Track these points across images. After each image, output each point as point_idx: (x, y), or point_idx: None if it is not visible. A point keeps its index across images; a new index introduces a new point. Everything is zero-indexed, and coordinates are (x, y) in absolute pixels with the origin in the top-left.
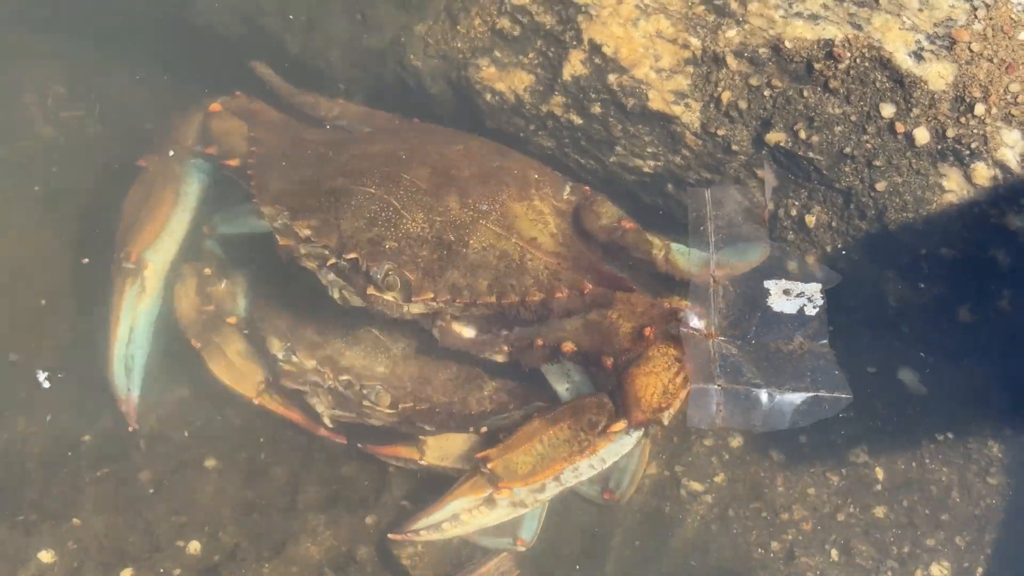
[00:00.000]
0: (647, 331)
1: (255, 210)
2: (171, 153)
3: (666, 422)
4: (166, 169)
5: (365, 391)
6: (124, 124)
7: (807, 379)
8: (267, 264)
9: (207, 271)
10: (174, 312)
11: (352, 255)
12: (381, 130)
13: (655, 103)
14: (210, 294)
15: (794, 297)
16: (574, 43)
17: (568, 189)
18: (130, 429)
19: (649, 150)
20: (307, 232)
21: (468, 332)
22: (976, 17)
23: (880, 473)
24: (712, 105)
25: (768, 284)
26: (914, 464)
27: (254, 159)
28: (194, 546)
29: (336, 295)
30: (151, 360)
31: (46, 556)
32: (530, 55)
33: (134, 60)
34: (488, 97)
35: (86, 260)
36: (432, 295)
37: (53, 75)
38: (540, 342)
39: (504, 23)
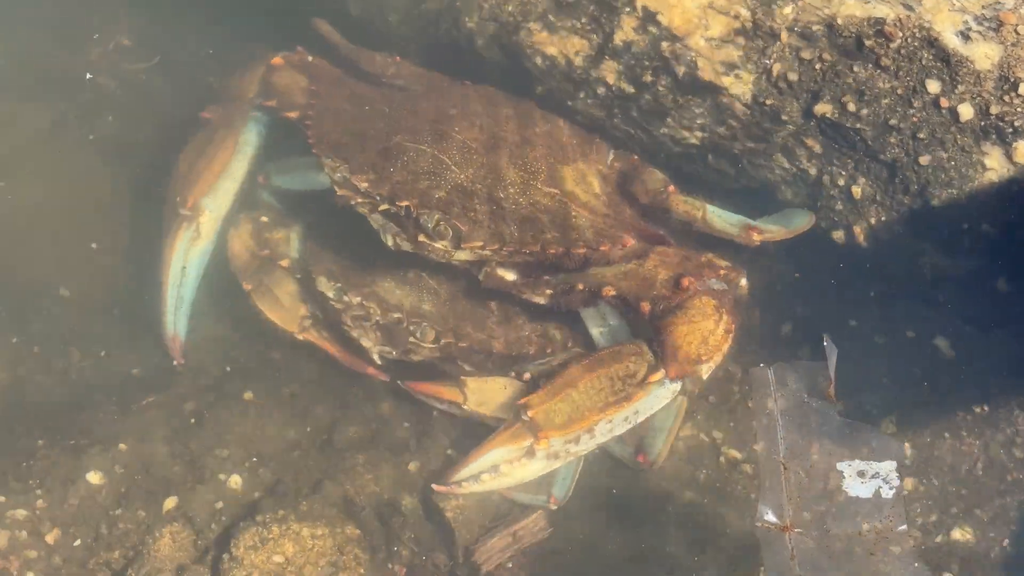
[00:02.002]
0: (685, 281)
1: (317, 161)
2: (233, 105)
3: (705, 376)
4: (226, 119)
5: (412, 327)
6: (184, 75)
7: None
8: (321, 213)
9: (263, 219)
10: (228, 254)
11: (404, 203)
12: (434, 90)
13: (705, 73)
14: (266, 240)
15: (869, 479)
16: (627, 9)
17: (612, 156)
18: (175, 363)
19: (698, 121)
20: (364, 185)
21: (511, 276)
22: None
23: (908, 448)
24: (763, 77)
25: (842, 467)
26: (946, 435)
27: (313, 111)
28: (235, 480)
29: (389, 241)
30: (199, 300)
31: (95, 477)
32: (583, 20)
33: (198, 18)
34: (539, 61)
35: (94, 245)
36: (481, 243)
37: (120, 28)
38: (581, 286)
39: None
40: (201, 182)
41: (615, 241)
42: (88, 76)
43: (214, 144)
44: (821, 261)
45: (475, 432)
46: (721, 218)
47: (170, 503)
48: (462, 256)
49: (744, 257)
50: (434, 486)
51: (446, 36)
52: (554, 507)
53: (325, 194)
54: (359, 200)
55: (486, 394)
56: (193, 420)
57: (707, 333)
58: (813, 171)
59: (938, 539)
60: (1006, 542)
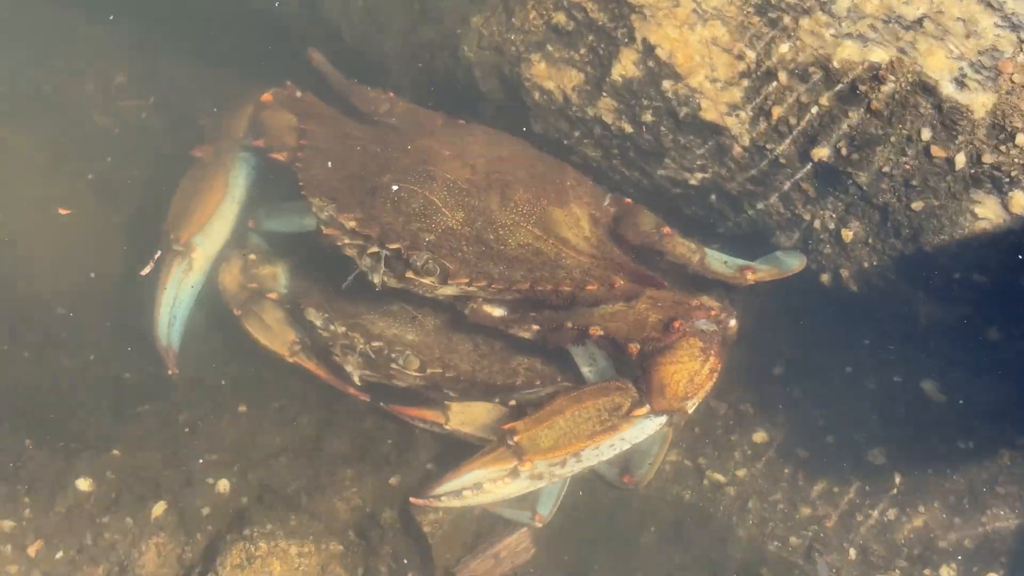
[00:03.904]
0: (676, 324)
1: (304, 203)
2: (223, 144)
3: (690, 411)
4: (217, 159)
5: (394, 355)
6: (178, 115)
7: None
8: (309, 251)
9: (252, 257)
10: (218, 287)
11: (395, 245)
12: (427, 129)
13: (708, 113)
14: (254, 275)
15: None
16: (626, 40)
17: (608, 199)
18: (169, 374)
19: (699, 163)
20: (352, 224)
21: (498, 312)
22: (1021, 49)
23: (898, 478)
24: (763, 119)
25: None
26: (929, 470)
27: (302, 153)
28: (223, 484)
29: (377, 280)
30: (195, 324)
31: (84, 484)
32: (581, 51)
33: (193, 48)
34: (536, 95)
35: (92, 274)
36: (468, 280)
37: (115, 63)
38: (569, 324)
39: (559, 18)
40: (193, 221)
41: (603, 281)
42: (91, 115)
43: (205, 184)
44: (812, 304)
45: (457, 449)
46: (719, 261)
47: (158, 509)
48: (448, 291)
49: (736, 298)
50: (412, 499)
51: (442, 67)
52: (539, 525)
53: (312, 235)
54: (347, 241)
55: (468, 416)
56: (187, 429)
57: (692, 373)
58: (807, 217)
59: (926, 572)
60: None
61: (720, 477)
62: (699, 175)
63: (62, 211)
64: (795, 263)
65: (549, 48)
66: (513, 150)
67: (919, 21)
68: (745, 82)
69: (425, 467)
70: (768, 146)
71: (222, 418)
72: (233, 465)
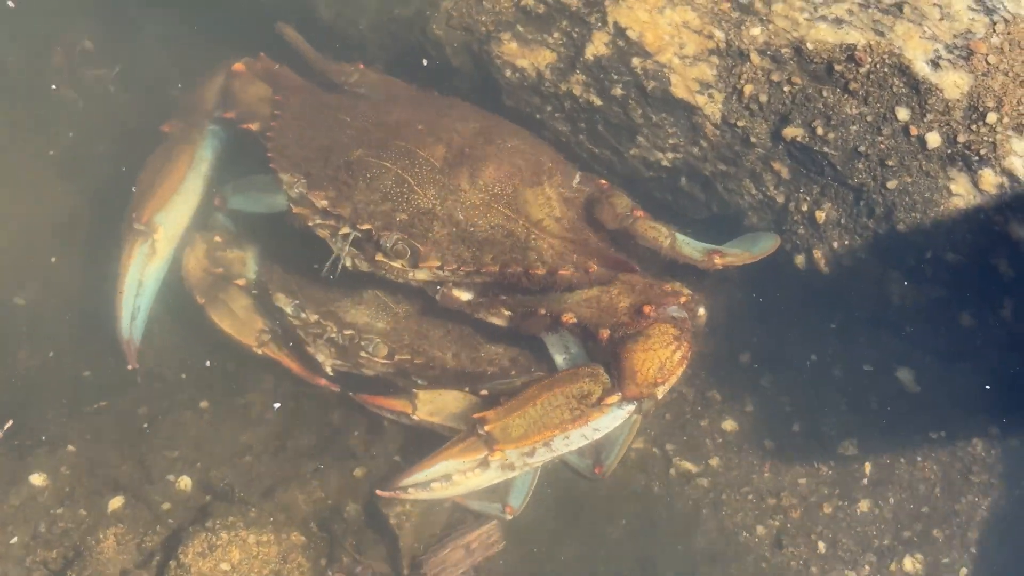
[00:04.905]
0: (647, 309)
1: (274, 179)
2: (192, 118)
3: (660, 396)
4: (185, 133)
5: (364, 343)
6: (146, 87)
7: None
8: (277, 233)
9: (217, 239)
10: (182, 272)
11: (366, 226)
12: (399, 100)
13: (678, 90)
14: (220, 258)
15: None
16: (599, 24)
17: (578, 178)
18: (129, 368)
19: (671, 141)
20: (323, 203)
21: (466, 295)
22: (995, 31)
23: (868, 467)
24: (734, 97)
25: None
26: (901, 459)
27: (275, 122)
28: (184, 481)
29: (348, 263)
30: (155, 313)
31: (38, 479)
32: (555, 34)
33: (165, 18)
34: (508, 73)
35: (53, 259)
36: (439, 263)
37: (83, 29)
38: (542, 311)
39: (529, 1)
40: (156, 199)
41: (577, 266)
42: (53, 87)
43: (170, 160)
44: (783, 289)
45: (425, 440)
46: (688, 245)
47: (116, 503)
48: (420, 276)
49: (707, 284)
50: (378, 491)
51: (416, 45)
52: (509, 517)
53: (281, 216)
54: (318, 222)
55: (436, 404)
56: (146, 424)
57: (664, 360)
58: (780, 199)
59: (892, 567)
60: (964, 572)
61: (690, 466)
62: (671, 155)
63: None
64: (767, 245)
65: (520, 29)
66: (485, 124)
67: (898, 6)
68: (715, 59)
69: (392, 459)
70: (739, 124)
71: (183, 414)
72: (195, 463)
